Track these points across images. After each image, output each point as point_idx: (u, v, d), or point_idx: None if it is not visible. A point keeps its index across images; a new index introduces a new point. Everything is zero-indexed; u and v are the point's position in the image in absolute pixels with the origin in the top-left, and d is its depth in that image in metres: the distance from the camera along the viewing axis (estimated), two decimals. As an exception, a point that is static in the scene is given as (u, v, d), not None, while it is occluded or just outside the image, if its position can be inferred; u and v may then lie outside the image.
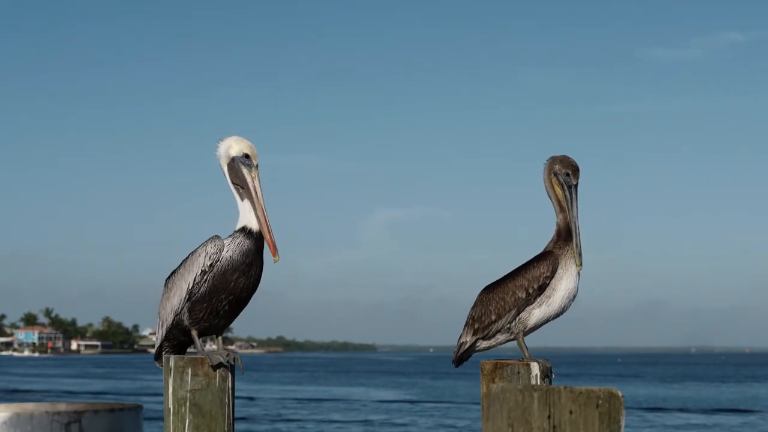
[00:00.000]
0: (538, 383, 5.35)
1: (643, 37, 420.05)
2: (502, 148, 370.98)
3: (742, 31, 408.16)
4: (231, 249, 5.24)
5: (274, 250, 5.22)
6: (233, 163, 5.31)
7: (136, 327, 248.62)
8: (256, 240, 5.28)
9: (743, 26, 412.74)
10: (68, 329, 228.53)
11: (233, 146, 5.33)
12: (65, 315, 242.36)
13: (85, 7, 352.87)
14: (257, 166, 5.32)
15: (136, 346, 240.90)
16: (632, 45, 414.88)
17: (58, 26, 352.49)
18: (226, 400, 5.29)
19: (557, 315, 5.63)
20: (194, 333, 5.37)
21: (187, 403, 5.24)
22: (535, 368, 5.39)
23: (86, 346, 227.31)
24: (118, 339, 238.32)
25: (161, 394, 5.56)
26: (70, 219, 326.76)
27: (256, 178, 5.29)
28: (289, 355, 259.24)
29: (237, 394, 5.51)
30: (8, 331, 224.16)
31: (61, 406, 3.17)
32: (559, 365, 6.54)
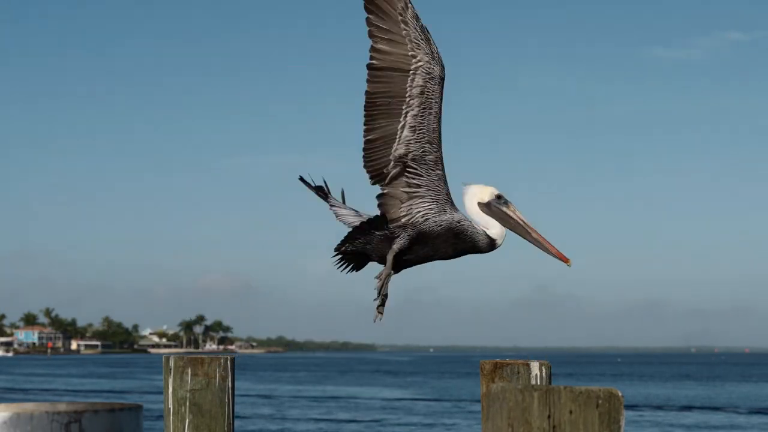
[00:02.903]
0: (538, 383, 5.35)
1: (643, 37, 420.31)
2: (501, 148, 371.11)
3: (743, 31, 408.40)
4: (473, 229, 5.72)
5: (566, 258, 5.73)
6: (488, 207, 5.79)
7: (136, 327, 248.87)
8: (486, 245, 5.78)
9: (745, 26, 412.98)
10: (68, 329, 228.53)
11: (483, 193, 5.83)
12: (65, 315, 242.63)
13: (85, 7, 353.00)
14: (511, 202, 5.86)
15: (136, 346, 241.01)
16: (632, 45, 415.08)
17: (59, 26, 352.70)
18: (226, 400, 5.30)
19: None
20: (391, 256, 5.67)
21: (187, 403, 5.26)
22: (535, 368, 5.39)
23: (86, 346, 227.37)
24: (118, 339, 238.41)
25: (161, 393, 5.58)
26: (71, 219, 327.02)
27: (517, 210, 5.81)
28: (289, 355, 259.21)
29: (238, 393, 5.52)
30: (8, 331, 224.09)
31: (61, 406, 3.16)
32: (559, 365, 6.56)
